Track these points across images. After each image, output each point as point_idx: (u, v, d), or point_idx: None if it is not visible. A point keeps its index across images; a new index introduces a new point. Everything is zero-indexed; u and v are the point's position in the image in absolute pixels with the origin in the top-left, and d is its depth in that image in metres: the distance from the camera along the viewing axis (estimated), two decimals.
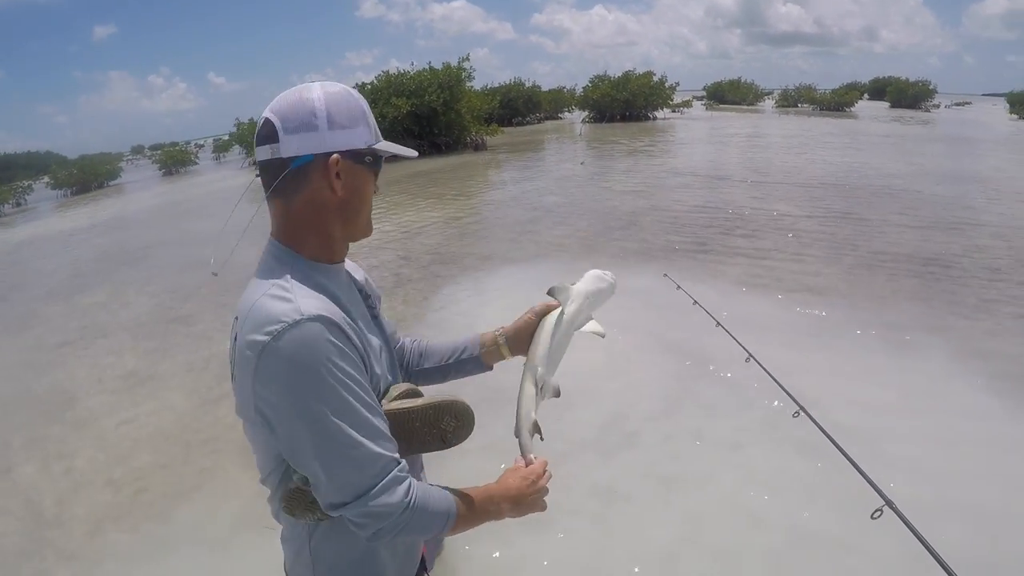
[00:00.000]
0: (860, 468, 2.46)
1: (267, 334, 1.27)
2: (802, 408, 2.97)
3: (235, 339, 1.37)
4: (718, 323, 4.12)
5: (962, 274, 8.41)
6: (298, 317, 1.28)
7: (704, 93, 76.79)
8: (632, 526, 3.92)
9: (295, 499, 1.46)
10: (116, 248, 15.91)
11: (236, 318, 1.38)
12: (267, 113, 1.40)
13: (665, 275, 5.27)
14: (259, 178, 1.46)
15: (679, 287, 4.75)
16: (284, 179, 1.40)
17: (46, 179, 43.18)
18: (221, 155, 53.48)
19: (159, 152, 54.19)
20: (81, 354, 8.12)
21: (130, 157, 79.33)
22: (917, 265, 8.80)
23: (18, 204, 37.32)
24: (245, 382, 1.33)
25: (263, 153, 1.40)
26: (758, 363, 3.56)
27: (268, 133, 1.39)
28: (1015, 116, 46.87)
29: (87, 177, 41.61)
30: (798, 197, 13.60)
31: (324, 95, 1.40)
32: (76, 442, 5.88)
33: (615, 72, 46.89)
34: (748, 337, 3.81)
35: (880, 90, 74.38)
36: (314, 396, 1.30)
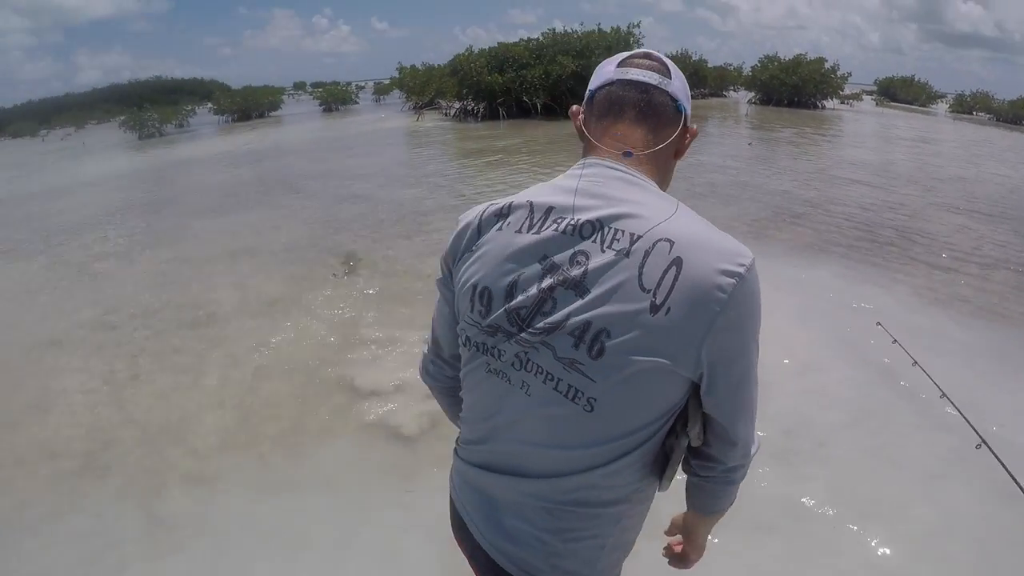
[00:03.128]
0: None
1: (740, 266, 1.26)
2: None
3: (666, 268, 1.27)
4: (915, 362, 3.98)
5: None
6: (751, 254, 1.30)
7: (875, 87, 72.57)
8: (825, 553, 3.54)
9: (676, 457, 1.45)
10: (272, 174, 16.61)
11: (621, 233, 1.32)
12: (656, 53, 1.52)
13: (878, 323, 4.74)
14: (607, 89, 1.49)
15: (895, 341, 4.26)
16: (666, 112, 1.46)
17: (209, 105, 46.64)
18: (381, 97, 55.56)
19: (320, 89, 56.77)
20: (226, 272, 8.36)
21: (291, 92, 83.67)
22: None
23: (180, 126, 40.60)
24: (693, 317, 1.25)
25: (646, 76, 1.45)
26: (952, 403, 3.58)
27: (658, 66, 1.48)
28: None
29: (248, 105, 44.52)
30: (978, 211, 12.29)
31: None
32: (209, 359, 5.97)
33: (783, 55, 46.08)
34: (927, 355, 3.44)
35: None
36: (757, 338, 1.36)
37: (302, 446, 4.57)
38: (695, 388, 1.36)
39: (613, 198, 1.35)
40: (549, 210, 1.39)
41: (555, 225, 1.36)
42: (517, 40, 32.40)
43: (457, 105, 32.96)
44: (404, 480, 4.13)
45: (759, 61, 47.07)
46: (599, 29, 30.70)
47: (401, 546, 3.57)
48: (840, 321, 6.32)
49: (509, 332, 1.40)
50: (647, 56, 1.49)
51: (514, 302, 1.38)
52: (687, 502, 1.67)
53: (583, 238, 1.33)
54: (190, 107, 45.68)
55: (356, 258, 8.61)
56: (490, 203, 1.50)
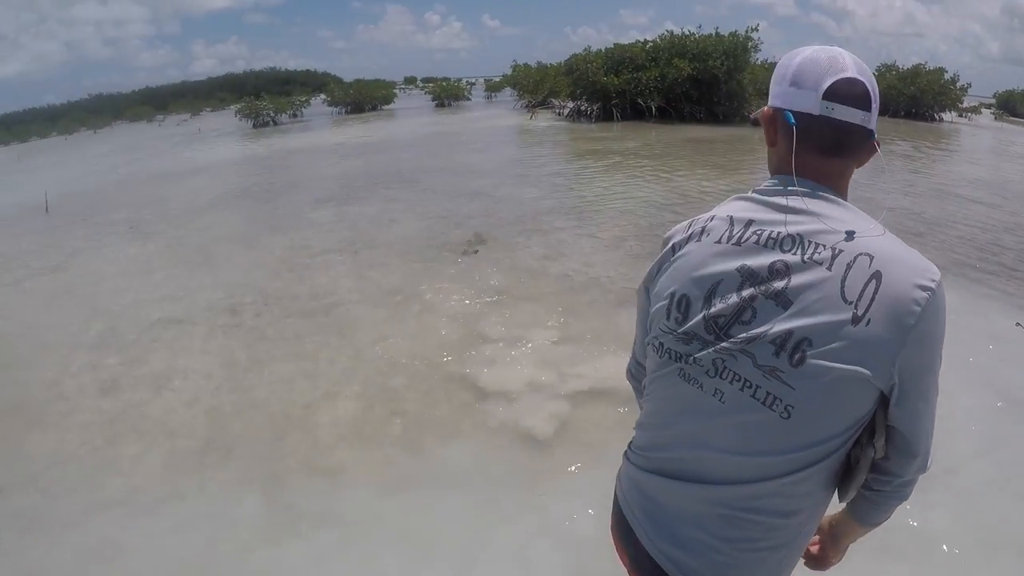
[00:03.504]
0: None
1: (932, 281, 1.33)
2: None
3: (864, 281, 1.33)
4: None
5: None
6: (939, 271, 1.36)
7: (993, 100, 69.30)
8: None
9: (861, 468, 1.48)
10: (387, 167, 16.97)
11: (815, 247, 1.39)
12: (859, 76, 1.47)
13: (1017, 324, 4.46)
14: (794, 127, 1.48)
15: None
16: (862, 144, 1.50)
17: (322, 96, 48.20)
18: (492, 94, 56.27)
19: (432, 84, 57.97)
20: (345, 262, 8.53)
21: (402, 87, 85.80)
22: None
23: (294, 115, 42.01)
24: (891, 329, 1.32)
25: (851, 115, 1.45)
26: None
27: (862, 98, 1.46)
28: None
29: (362, 98, 45.64)
30: None
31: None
32: (330, 348, 6.05)
33: (900, 63, 44.15)
34: None
35: None
36: (940, 355, 1.41)
37: (427, 442, 4.56)
38: (883, 400, 1.40)
39: (813, 213, 1.42)
40: (749, 223, 1.47)
41: (755, 237, 1.45)
42: (632, 41, 32.40)
43: (570, 105, 33.04)
44: (533, 483, 4.06)
45: (876, 69, 45.44)
46: (716, 33, 30.42)
47: (531, 552, 3.49)
48: (967, 346, 6.00)
49: (705, 340, 1.46)
50: (852, 85, 1.46)
51: (713, 309, 1.45)
52: (848, 508, 1.69)
53: (783, 251, 1.40)
54: (304, 98, 47.19)
55: (482, 240, 8.65)
56: (692, 219, 1.60)
